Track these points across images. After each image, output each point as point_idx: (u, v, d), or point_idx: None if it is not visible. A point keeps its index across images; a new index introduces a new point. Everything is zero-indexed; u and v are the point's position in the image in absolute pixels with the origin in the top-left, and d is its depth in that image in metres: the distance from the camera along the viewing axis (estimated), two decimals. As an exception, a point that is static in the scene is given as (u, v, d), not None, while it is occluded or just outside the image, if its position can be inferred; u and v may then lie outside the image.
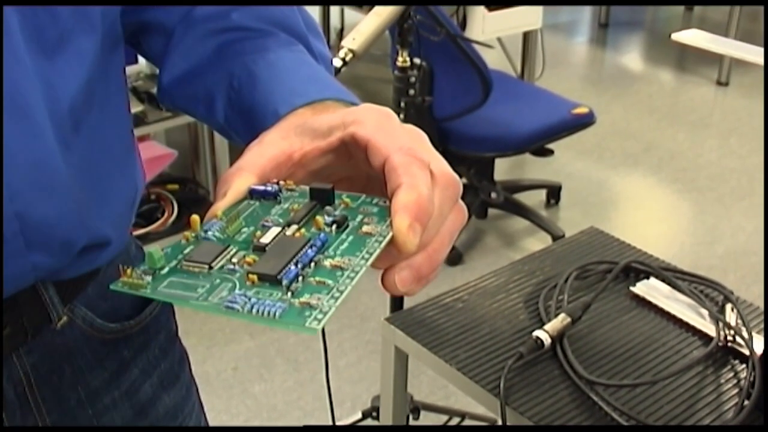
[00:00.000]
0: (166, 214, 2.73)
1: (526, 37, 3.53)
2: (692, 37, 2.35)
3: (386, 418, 1.32)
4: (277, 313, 0.42)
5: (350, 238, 0.49)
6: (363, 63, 1.43)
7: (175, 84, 0.68)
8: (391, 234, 0.48)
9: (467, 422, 2.07)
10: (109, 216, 0.64)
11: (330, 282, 0.45)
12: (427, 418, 2.04)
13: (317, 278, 0.45)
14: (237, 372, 2.38)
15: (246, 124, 0.63)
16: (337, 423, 2.01)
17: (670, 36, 2.98)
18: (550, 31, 4.51)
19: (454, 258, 2.85)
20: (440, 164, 0.51)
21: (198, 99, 0.67)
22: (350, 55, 1.35)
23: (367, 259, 0.47)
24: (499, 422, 1.04)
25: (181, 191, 2.87)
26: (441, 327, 1.16)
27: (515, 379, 1.06)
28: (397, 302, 1.74)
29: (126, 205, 0.69)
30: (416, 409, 1.95)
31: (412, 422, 1.93)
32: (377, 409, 1.98)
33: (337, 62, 1.35)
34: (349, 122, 0.52)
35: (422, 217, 0.47)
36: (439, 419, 2.09)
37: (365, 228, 0.49)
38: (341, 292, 0.44)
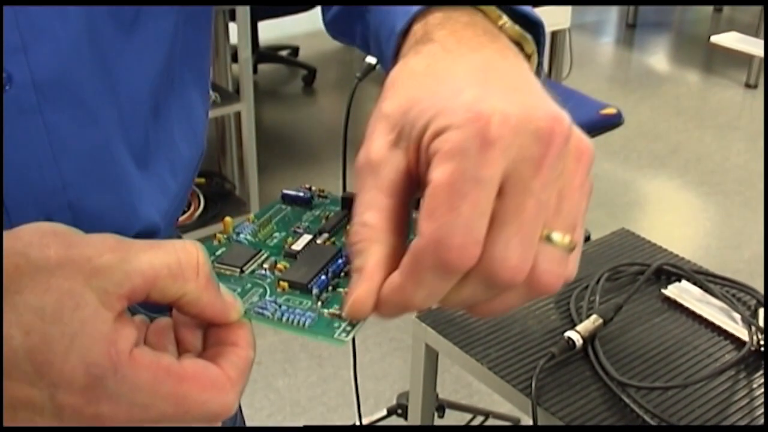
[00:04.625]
0: (192, 208, 2.74)
1: (554, 36, 3.51)
2: (730, 40, 2.34)
3: (414, 416, 1.32)
4: (307, 323, 0.43)
5: None
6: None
7: (330, 25, 0.69)
8: None
9: (491, 421, 2.07)
10: (162, 206, 0.64)
11: None
12: (451, 416, 2.04)
13: (347, 289, 0.45)
14: (261, 366, 2.38)
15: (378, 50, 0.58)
16: (362, 420, 2.01)
17: (698, 37, 2.96)
18: (578, 31, 4.49)
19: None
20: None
21: (354, 36, 0.65)
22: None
23: None
24: (526, 422, 1.04)
25: (207, 185, 2.88)
26: (472, 326, 1.16)
27: (546, 379, 1.06)
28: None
29: (179, 194, 0.69)
30: (441, 407, 1.95)
31: (436, 420, 1.93)
32: (402, 407, 1.98)
33: (372, 59, 1.35)
34: (428, 142, 0.40)
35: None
36: (462, 417, 2.09)
37: None
38: None
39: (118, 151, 0.57)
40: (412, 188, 0.41)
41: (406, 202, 0.42)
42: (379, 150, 0.42)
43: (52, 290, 0.36)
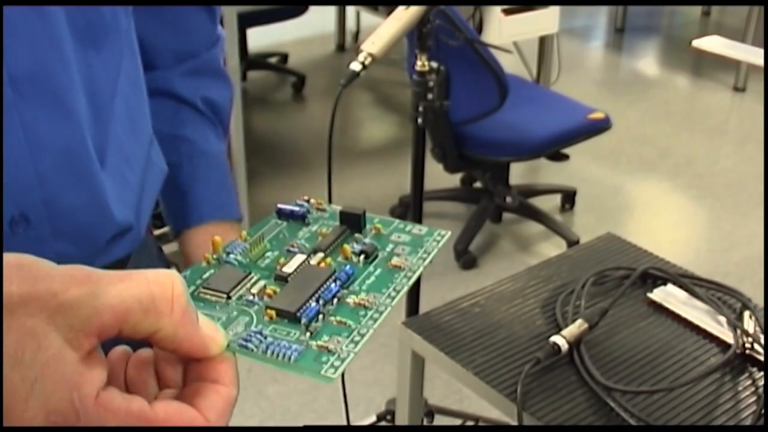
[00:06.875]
0: (181, 216, 2.74)
1: (543, 41, 3.52)
2: (712, 44, 2.34)
3: (402, 422, 1.32)
4: (293, 357, 0.41)
5: (378, 271, 0.46)
6: (378, 66, 1.43)
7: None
8: (421, 269, 0.45)
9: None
10: (130, 200, 0.64)
11: (351, 323, 0.43)
12: (440, 422, 2.04)
13: (338, 318, 0.43)
14: (251, 374, 2.38)
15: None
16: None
17: (686, 41, 2.98)
18: (566, 36, 4.51)
19: (469, 262, 2.85)
20: None
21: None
22: (369, 59, 1.35)
23: (393, 298, 0.45)
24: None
25: (196, 193, 2.88)
26: (458, 331, 1.16)
27: (532, 385, 1.06)
28: (413, 306, 1.74)
29: (151, 191, 0.69)
30: (430, 413, 1.95)
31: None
32: (391, 413, 1.98)
33: (356, 66, 1.35)
34: None
35: None
36: (452, 423, 2.08)
37: (395, 260, 0.47)
38: (362, 336, 0.43)
39: (89, 147, 0.57)
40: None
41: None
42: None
43: (13, 330, 0.34)
